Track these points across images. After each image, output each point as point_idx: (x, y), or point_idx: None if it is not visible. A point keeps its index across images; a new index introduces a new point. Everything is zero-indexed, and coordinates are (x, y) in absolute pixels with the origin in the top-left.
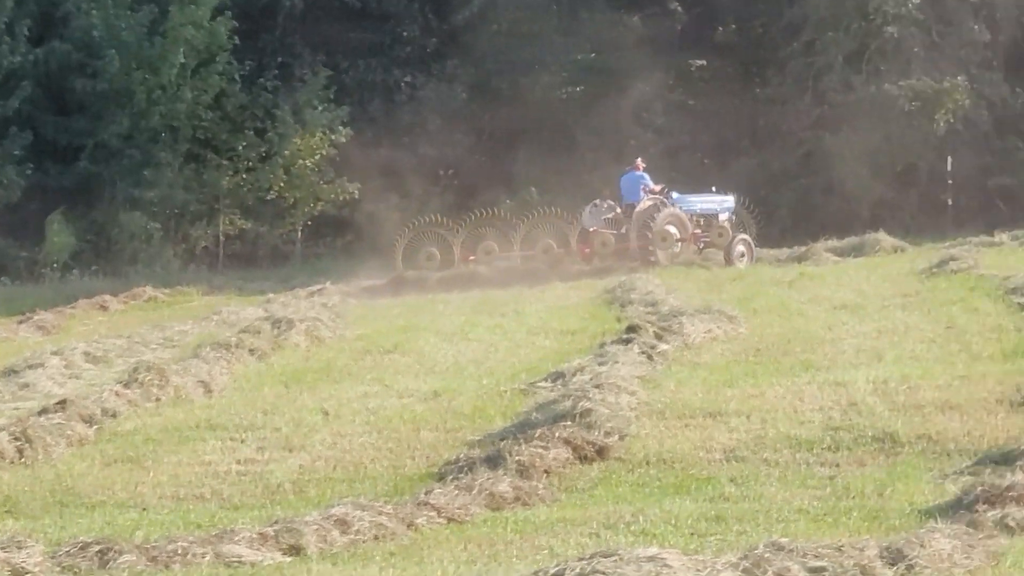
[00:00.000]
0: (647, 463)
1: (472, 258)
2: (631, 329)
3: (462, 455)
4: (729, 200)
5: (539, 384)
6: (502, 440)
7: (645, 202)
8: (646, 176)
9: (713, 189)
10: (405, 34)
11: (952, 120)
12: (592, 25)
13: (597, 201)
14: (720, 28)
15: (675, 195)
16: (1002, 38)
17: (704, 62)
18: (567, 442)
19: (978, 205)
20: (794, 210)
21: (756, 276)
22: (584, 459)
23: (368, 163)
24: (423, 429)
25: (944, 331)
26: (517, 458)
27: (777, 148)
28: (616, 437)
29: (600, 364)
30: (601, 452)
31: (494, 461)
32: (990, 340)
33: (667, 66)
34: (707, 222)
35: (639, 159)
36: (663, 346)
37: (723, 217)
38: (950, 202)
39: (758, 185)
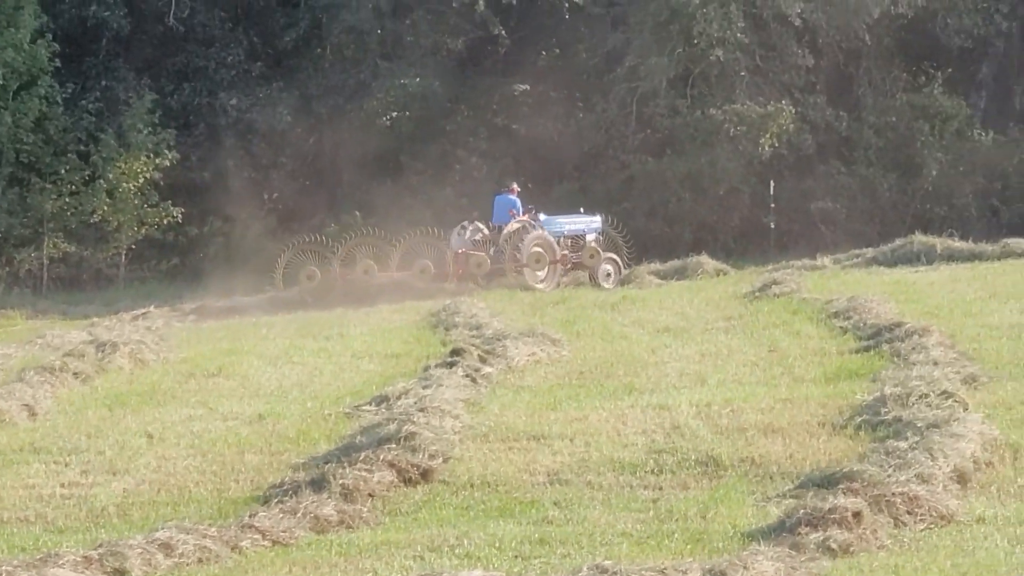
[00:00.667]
0: (471, 486)
1: (352, 276)
2: (455, 352)
3: (287, 478)
4: (597, 220)
5: (364, 407)
6: (326, 463)
7: (512, 224)
8: (517, 201)
9: (581, 210)
10: (230, 58)
11: (777, 144)
12: (417, 50)
13: (465, 223)
14: (544, 53)
15: (543, 216)
16: (824, 63)
17: (527, 86)
18: (391, 465)
19: (801, 229)
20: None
21: (579, 299)
22: (408, 482)
23: (192, 187)
24: (248, 452)
25: (767, 354)
26: (341, 481)
27: (601, 172)
28: (440, 460)
29: (424, 387)
30: (425, 475)
31: (318, 484)
32: (812, 363)
33: (491, 90)
34: (575, 243)
35: (514, 183)
36: (487, 369)
37: (591, 238)
38: (773, 226)
39: (577, 207)
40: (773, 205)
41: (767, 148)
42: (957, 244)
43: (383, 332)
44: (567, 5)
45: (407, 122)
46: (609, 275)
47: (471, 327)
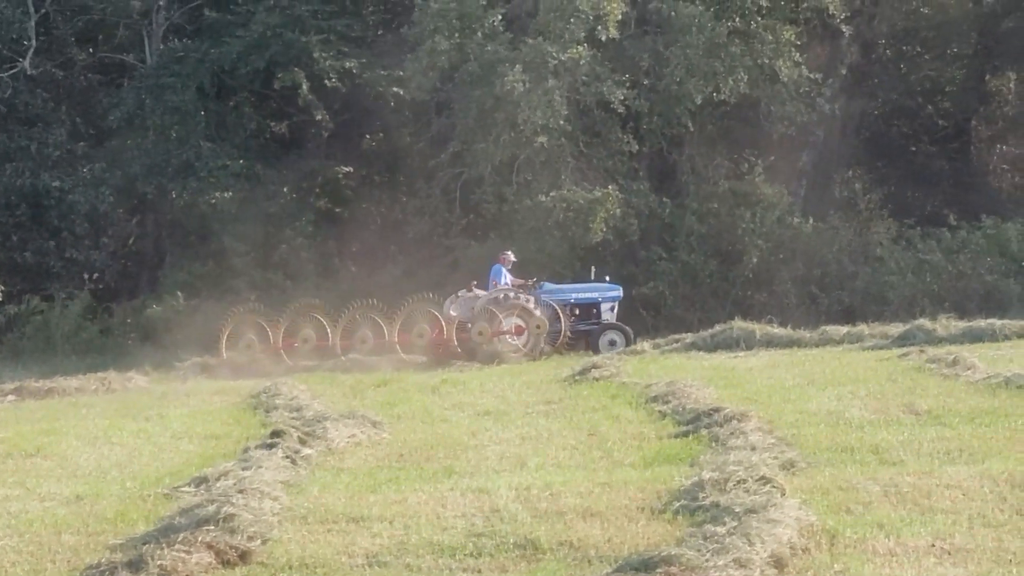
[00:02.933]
0: (290, 568)
1: (296, 345)
2: (275, 434)
3: (103, 559)
4: (615, 290)
5: (182, 488)
6: (144, 544)
7: (491, 293)
8: (503, 269)
9: (607, 279)
10: (52, 138)
11: (604, 229)
12: (240, 132)
13: (460, 292)
14: (368, 136)
15: (549, 285)
16: (647, 149)
17: (351, 169)
18: (210, 546)
19: (622, 314)
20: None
21: (400, 382)
22: (227, 564)
23: (14, 265)
24: (65, 533)
25: (586, 438)
26: (159, 562)
27: (425, 256)
28: (259, 542)
29: (244, 469)
30: (244, 557)
31: (136, 565)
32: (631, 448)
33: (314, 173)
34: (586, 312)
35: (509, 252)
36: (307, 451)
37: (606, 307)
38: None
39: (405, 293)
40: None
41: (598, 233)
42: (776, 330)
43: (203, 413)
44: (392, 92)
45: (230, 203)
46: (614, 343)
47: (291, 409)
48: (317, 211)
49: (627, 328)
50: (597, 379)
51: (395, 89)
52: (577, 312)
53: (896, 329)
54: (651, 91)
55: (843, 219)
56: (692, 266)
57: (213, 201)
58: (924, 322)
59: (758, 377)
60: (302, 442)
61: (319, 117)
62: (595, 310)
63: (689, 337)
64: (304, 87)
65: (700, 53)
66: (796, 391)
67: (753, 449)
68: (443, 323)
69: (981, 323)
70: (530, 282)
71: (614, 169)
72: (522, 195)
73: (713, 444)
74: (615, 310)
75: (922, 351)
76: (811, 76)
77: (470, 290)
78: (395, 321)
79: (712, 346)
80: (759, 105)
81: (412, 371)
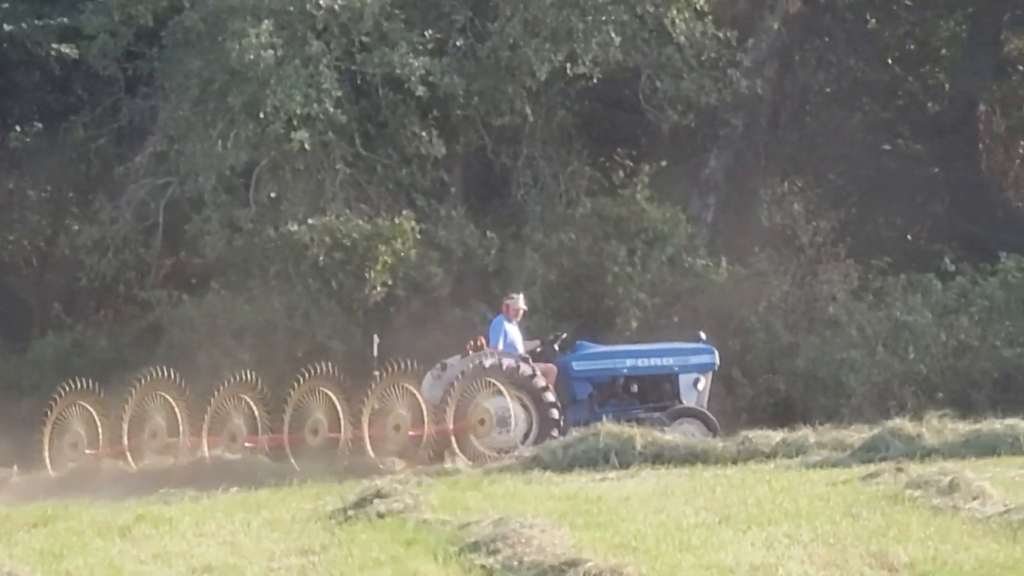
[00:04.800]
0: None
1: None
2: None
3: None
4: (706, 354)
5: None
6: None
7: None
8: (502, 322)
9: (702, 335)
10: None
11: (391, 281)
12: None
13: (453, 359)
14: (18, 127)
15: (586, 345)
16: (462, 150)
17: None
18: None
19: None
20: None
21: (74, 520)
22: None
23: None
24: None
25: None
26: None
27: (100, 319)
28: None
29: None
30: None
31: None
32: None
33: None
34: (657, 387)
35: (518, 296)
36: None
37: (687, 381)
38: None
39: (55, 382)
40: (378, 373)
41: (378, 288)
42: (669, 437)
43: None
44: (57, 55)
45: None
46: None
47: None
48: None
49: (711, 417)
50: (382, 515)
51: (63, 49)
52: (636, 389)
53: (859, 435)
54: (468, 59)
55: (775, 259)
56: (535, 335)
57: None
58: (903, 423)
59: (639, 512)
60: None
61: None
62: (669, 386)
63: (531, 448)
64: None
65: (546, 1)
66: (700, 534)
67: None
68: (423, 408)
69: (995, 425)
70: (551, 339)
71: (410, 182)
72: (264, 221)
73: None
74: (705, 387)
75: (900, 470)
76: (722, 34)
77: (469, 352)
78: (366, 406)
79: (566, 462)
80: (639, 80)
81: (89, 501)
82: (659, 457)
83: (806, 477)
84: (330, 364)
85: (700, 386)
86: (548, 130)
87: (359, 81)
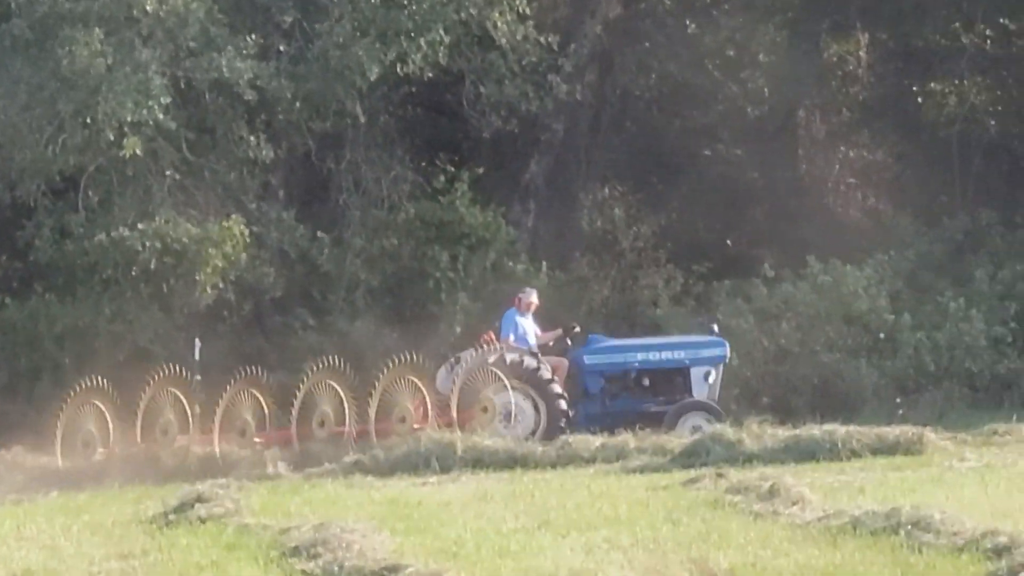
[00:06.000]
0: None
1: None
2: None
3: None
4: (717, 347)
5: None
6: None
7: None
8: (514, 314)
9: (715, 328)
10: None
11: (222, 285)
12: None
13: (467, 352)
14: None
15: (597, 339)
16: (284, 154)
17: None
18: None
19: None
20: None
21: None
22: None
23: None
24: None
25: None
26: None
27: None
28: None
29: None
30: None
31: None
32: None
33: None
34: (668, 381)
35: (531, 290)
36: None
37: (699, 373)
38: (197, 410)
39: None
40: (199, 378)
41: (208, 291)
42: (489, 442)
43: None
44: None
45: None
46: (698, 431)
47: None
48: None
49: (718, 408)
50: (203, 519)
51: None
52: (648, 383)
53: (680, 440)
54: (298, 62)
55: (596, 264)
56: (357, 341)
57: None
58: (724, 429)
59: (459, 517)
60: None
61: None
62: (681, 379)
63: (350, 454)
64: None
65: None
66: (520, 539)
67: None
68: (427, 399)
69: (814, 431)
70: (572, 327)
71: (239, 186)
72: (93, 227)
73: None
74: (715, 380)
75: (720, 475)
76: (543, 39)
77: (481, 345)
78: (372, 398)
79: (387, 467)
80: (463, 86)
81: None
82: (479, 462)
83: (626, 482)
84: (330, 359)
85: (711, 379)
86: (371, 135)
87: (184, 86)
